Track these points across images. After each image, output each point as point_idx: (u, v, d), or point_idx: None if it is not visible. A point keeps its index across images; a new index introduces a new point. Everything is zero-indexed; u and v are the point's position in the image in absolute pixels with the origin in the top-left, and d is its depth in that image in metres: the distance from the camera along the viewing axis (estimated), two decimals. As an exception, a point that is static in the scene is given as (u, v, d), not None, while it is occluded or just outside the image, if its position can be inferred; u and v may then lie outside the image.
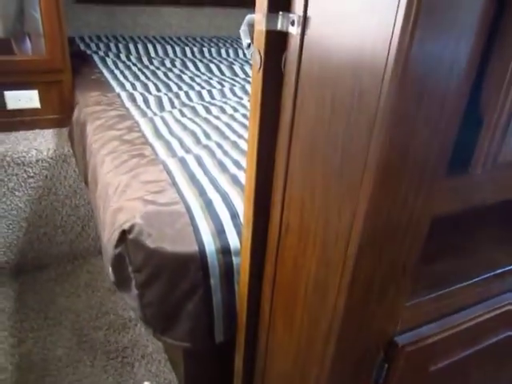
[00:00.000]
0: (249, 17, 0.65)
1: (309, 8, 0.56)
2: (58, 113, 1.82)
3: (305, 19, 0.56)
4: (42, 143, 1.71)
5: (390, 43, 0.43)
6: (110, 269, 0.94)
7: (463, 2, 0.42)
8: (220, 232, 0.88)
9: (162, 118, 1.40)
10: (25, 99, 1.76)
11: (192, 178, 1.03)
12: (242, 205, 0.95)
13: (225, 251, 0.87)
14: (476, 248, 0.79)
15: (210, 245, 0.86)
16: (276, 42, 0.62)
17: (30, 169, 1.68)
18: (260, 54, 0.63)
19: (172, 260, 0.85)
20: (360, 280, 0.57)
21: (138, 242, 0.85)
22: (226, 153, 1.18)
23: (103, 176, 1.11)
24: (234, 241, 0.88)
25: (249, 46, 0.69)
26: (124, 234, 0.86)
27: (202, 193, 0.98)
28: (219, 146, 1.22)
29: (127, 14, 2.45)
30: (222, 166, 1.10)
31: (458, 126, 0.52)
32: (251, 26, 0.65)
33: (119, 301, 1.71)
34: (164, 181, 1.02)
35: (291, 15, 0.58)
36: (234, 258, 0.88)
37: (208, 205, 0.94)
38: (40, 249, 1.84)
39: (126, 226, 0.86)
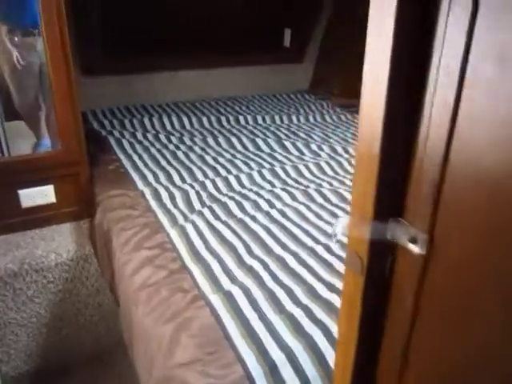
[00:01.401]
0: (344, 221, 0.52)
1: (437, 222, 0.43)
2: (75, 205, 1.70)
3: (432, 238, 0.44)
4: (60, 244, 1.59)
5: None
6: None
7: None
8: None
9: (195, 226, 1.27)
10: (40, 196, 1.64)
11: (246, 326, 0.90)
12: (312, 365, 0.81)
13: None
14: None
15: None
16: (382, 248, 0.50)
17: (50, 274, 1.56)
18: (361, 259, 0.51)
19: None
20: None
21: None
22: (274, 277, 1.05)
23: (140, 318, 0.98)
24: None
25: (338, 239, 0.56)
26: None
27: (261, 350, 0.84)
28: (265, 266, 1.09)
29: (138, 82, 2.36)
30: (276, 302, 0.97)
31: None
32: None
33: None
34: (215, 333, 0.88)
35: (411, 230, 0.46)
36: None
37: (272, 370, 0.80)
38: (62, 353, 1.70)
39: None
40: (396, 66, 0.41)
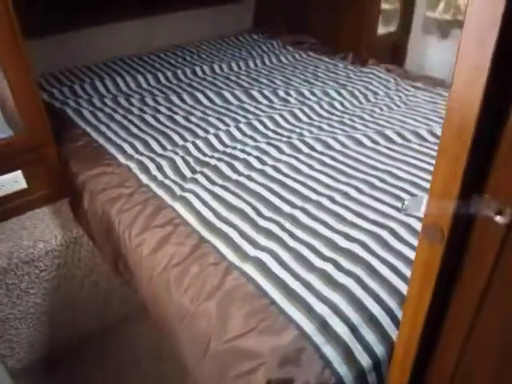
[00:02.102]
0: (423, 199, 0.56)
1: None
2: (49, 187, 1.62)
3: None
4: (45, 231, 1.52)
5: None
6: None
7: None
8: (351, 356, 0.84)
9: (194, 194, 1.27)
10: (9, 183, 1.53)
11: (286, 288, 0.96)
12: (354, 312, 0.90)
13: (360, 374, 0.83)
14: None
15: (347, 376, 0.82)
16: (463, 220, 0.55)
17: (41, 263, 1.51)
18: (442, 231, 0.56)
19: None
20: None
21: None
22: (293, 236, 1.11)
23: (176, 299, 1.00)
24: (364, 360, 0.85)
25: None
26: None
27: (307, 308, 0.91)
28: (280, 226, 1.14)
29: (75, 41, 2.16)
30: (304, 260, 1.03)
31: None
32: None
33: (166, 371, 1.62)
34: (259, 301, 0.94)
35: (494, 204, 0.51)
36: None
37: (323, 324, 0.88)
38: (67, 336, 1.70)
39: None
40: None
